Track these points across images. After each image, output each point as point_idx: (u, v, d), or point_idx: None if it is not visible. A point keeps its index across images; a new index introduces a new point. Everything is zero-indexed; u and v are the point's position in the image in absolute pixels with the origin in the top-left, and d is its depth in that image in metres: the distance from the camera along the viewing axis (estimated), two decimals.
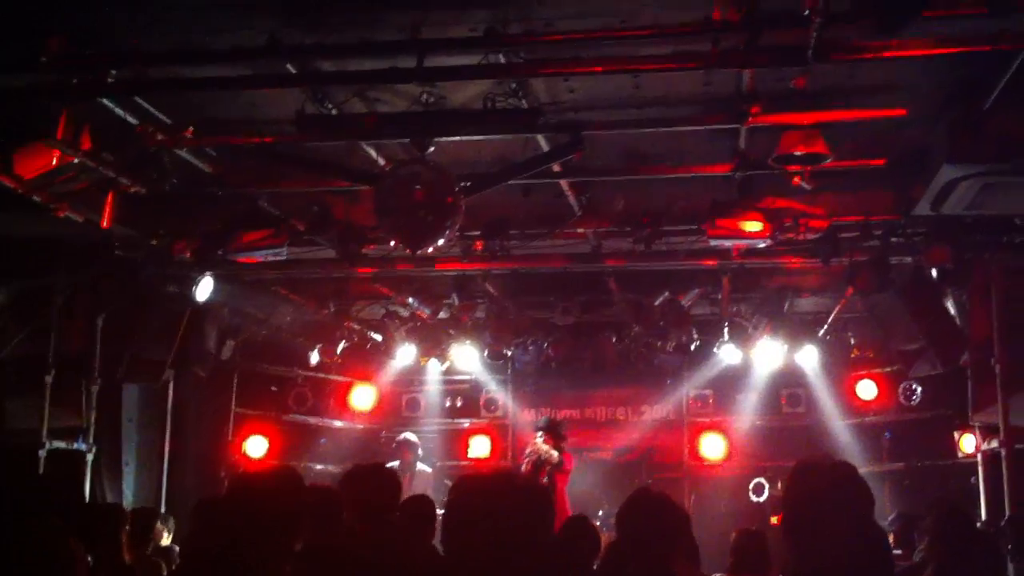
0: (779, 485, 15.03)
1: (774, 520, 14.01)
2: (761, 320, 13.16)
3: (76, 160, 7.20)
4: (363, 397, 16.74)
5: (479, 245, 10.27)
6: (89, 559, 5.29)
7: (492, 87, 7.11)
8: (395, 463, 13.50)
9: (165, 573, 7.77)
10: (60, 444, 10.33)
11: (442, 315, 13.43)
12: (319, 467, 15.24)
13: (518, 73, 6.86)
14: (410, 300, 12.95)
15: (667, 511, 4.53)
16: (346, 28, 6.49)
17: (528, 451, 12.51)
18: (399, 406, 17.25)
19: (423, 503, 6.59)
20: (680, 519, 4.68)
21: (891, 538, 9.11)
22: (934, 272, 9.99)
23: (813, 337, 14.20)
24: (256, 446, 14.93)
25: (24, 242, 9.76)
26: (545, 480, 11.68)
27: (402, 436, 14.31)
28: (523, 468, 12.16)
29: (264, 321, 13.65)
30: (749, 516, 14.27)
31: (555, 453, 12.32)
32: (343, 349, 15.00)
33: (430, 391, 17.03)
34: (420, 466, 13.83)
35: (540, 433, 12.66)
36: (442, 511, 3.53)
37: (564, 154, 7.93)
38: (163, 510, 11.99)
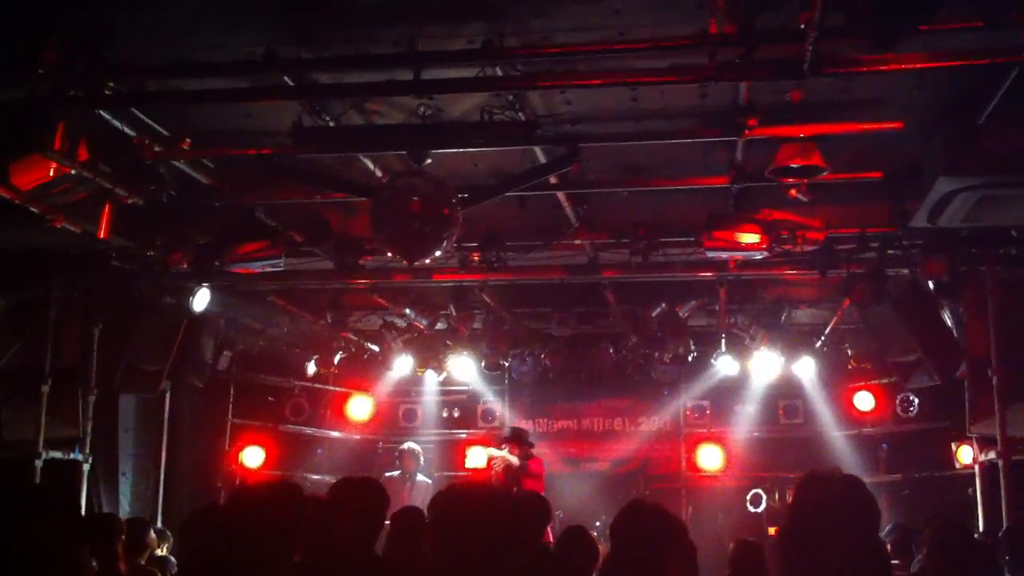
0: (776, 496, 15.07)
1: (772, 531, 13.99)
2: (758, 331, 13.16)
3: (73, 171, 7.20)
4: (360, 407, 16.73)
5: (476, 256, 10.27)
6: (94, 563, 5.25)
7: (489, 99, 7.12)
8: (396, 472, 13.48)
9: None
10: (56, 454, 10.31)
11: (439, 326, 13.44)
12: (316, 477, 15.22)
13: (515, 86, 6.88)
14: (407, 311, 12.97)
15: (662, 521, 4.52)
16: (343, 41, 6.50)
17: (494, 462, 12.43)
18: (396, 416, 17.24)
19: (413, 514, 6.57)
20: (676, 529, 4.66)
21: (888, 548, 9.12)
22: (931, 284, 10.00)
23: (810, 348, 14.21)
24: (253, 456, 14.91)
25: (20, 252, 9.76)
26: (515, 489, 11.62)
27: (405, 445, 14.23)
28: (493, 478, 12.10)
29: (261, 332, 13.66)
30: (746, 527, 14.25)
31: (515, 459, 12.24)
32: (340, 360, 15.02)
33: (427, 402, 17.01)
34: (420, 477, 13.78)
35: (504, 444, 12.61)
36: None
37: (561, 166, 7.94)
38: (160, 520, 11.99)
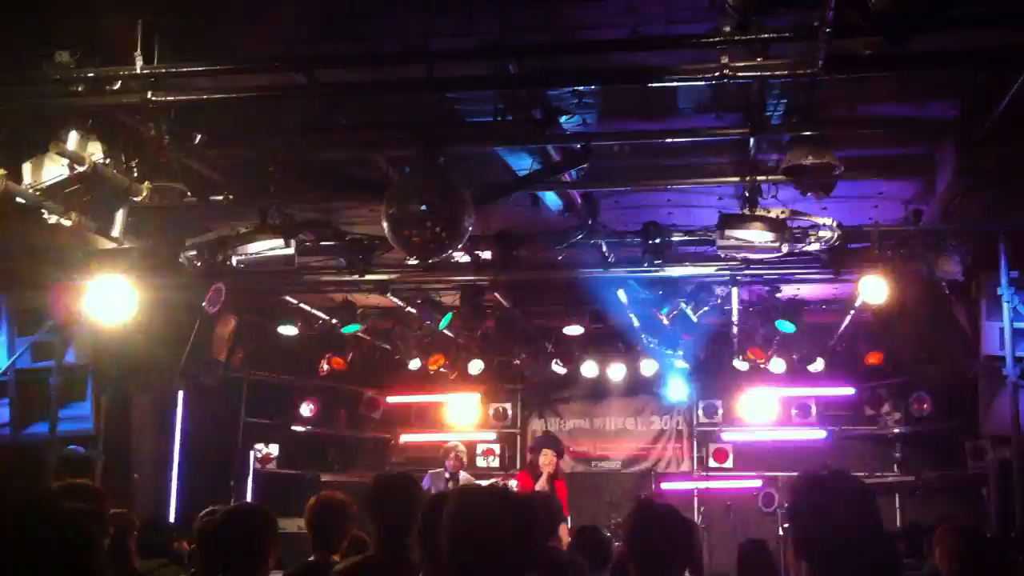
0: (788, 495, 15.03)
1: (782, 531, 13.97)
2: (771, 330, 13.14)
3: (86, 169, 7.21)
4: (372, 406, 16.75)
5: (489, 255, 10.26)
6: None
7: (502, 97, 7.11)
8: (440, 470, 13.14)
9: None
10: (70, 452, 10.33)
11: (451, 324, 13.42)
12: (328, 477, 15.24)
13: (528, 83, 6.87)
14: (418, 310, 12.96)
15: (673, 522, 4.53)
16: (356, 38, 6.50)
17: (542, 463, 12.24)
18: (408, 415, 17.25)
19: None
20: (686, 529, 4.67)
21: (901, 547, 9.11)
22: (944, 283, 9.96)
23: (823, 347, 14.18)
24: (266, 455, 14.95)
25: (34, 251, 9.78)
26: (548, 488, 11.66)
27: (451, 443, 13.87)
28: (541, 485, 11.98)
29: (273, 330, 13.67)
30: (758, 527, 14.25)
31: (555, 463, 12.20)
32: (352, 358, 15.02)
33: (438, 401, 17.01)
34: (464, 475, 13.42)
35: (545, 450, 12.39)
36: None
37: (574, 164, 7.93)
38: (172, 519, 12.02)
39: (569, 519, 11.74)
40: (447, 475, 12.55)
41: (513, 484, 12.35)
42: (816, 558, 3.17)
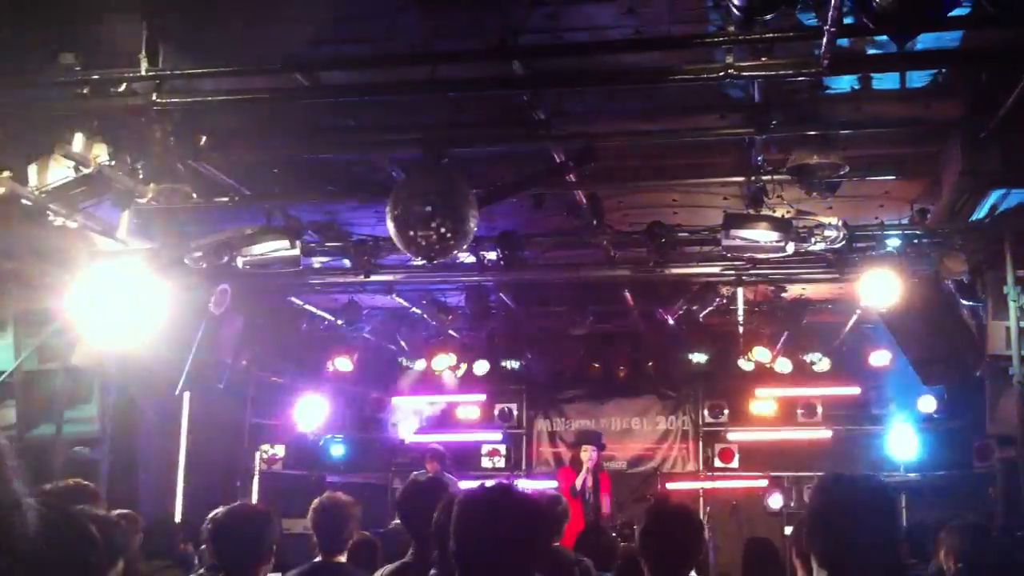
0: (794, 496, 15.03)
1: (788, 530, 13.97)
2: (776, 330, 13.13)
3: (91, 171, 7.23)
4: (378, 407, 16.75)
5: (494, 255, 10.26)
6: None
7: (506, 97, 7.12)
8: (421, 472, 13.27)
9: None
10: (76, 454, 10.34)
11: (456, 325, 13.44)
12: (334, 478, 15.23)
13: (531, 84, 6.87)
14: (424, 310, 12.97)
15: (688, 521, 4.57)
16: (359, 40, 6.51)
17: (584, 459, 12.37)
18: (414, 416, 17.25)
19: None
20: (699, 529, 4.70)
21: (906, 547, 9.07)
22: (950, 282, 9.94)
23: (828, 347, 14.16)
24: (271, 456, 14.94)
25: (40, 252, 9.79)
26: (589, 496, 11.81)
27: (431, 446, 14.11)
28: (581, 483, 12.10)
29: (279, 331, 13.68)
30: (764, 526, 14.24)
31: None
32: (358, 359, 15.03)
33: (445, 401, 17.02)
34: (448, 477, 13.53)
35: (591, 446, 12.53)
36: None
37: (578, 164, 7.93)
38: (178, 520, 12.01)
39: (611, 507, 12.41)
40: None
41: (520, 484, 12.39)
42: (824, 556, 3.18)
